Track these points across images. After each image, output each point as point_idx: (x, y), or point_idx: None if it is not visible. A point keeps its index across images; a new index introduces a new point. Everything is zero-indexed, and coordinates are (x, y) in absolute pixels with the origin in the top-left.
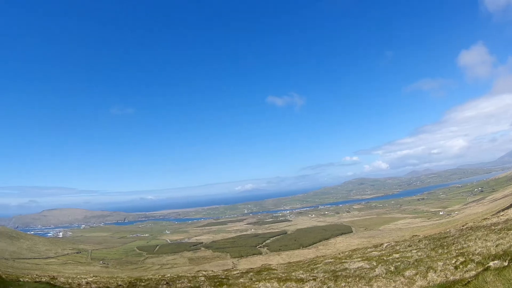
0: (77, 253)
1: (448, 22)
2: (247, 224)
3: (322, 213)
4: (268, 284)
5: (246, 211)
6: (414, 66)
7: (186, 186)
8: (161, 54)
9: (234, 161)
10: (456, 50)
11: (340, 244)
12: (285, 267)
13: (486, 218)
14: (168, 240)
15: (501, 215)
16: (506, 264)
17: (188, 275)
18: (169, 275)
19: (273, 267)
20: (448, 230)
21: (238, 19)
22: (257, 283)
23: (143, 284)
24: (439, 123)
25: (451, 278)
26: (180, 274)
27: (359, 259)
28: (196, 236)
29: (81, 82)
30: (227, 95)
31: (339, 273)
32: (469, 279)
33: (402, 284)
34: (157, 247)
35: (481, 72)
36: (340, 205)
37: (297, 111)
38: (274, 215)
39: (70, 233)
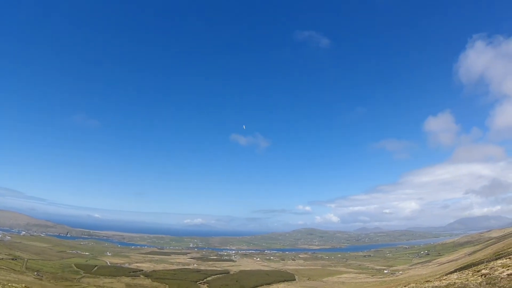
0: (13, 259)
1: (421, 88)
2: (191, 258)
3: (268, 257)
4: None
5: (191, 245)
6: (382, 125)
7: (135, 210)
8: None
9: (187, 193)
10: (424, 115)
11: None
12: None
13: (429, 281)
14: (108, 262)
15: (444, 279)
16: None
17: None
18: None
19: None
20: None
21: (207, 55)
22: None
23: None
24: (395, 184)
25: None
26: None
27: None
28: (137, 262)
29: (44, 86)
30: (190, 128)
31: None
32: None
33: None
34: (96, 267)
35: (444, 140)
36: (287, 252)
37: (259, 153)
38: (219, 253)
39: (9, 237)
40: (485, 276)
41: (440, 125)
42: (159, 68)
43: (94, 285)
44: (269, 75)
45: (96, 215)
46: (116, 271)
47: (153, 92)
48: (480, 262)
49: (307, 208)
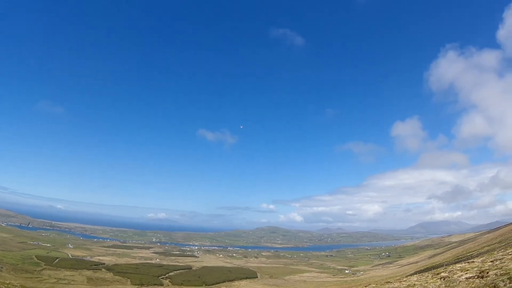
0: None
1: (391, 93)
2: (154, 253)
3: (230, 254)
4: None
5: (154, 240)
6: (350, 127)
7: (99, 203)
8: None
9: (152, 187)
10: (392, 120)
11: None
12: None
13: (389, 282)
14: (70, 255)
15: (404, 281)
16: None
17: None
18: None
19: None
20: None
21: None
22: None
23: None
24: (359, 187)
25: None
26: None
27: None
28: (99, 255)
29: (7, 72)
30: (158, 121)
31: None
32: None
33: None
34: (57, 259)
35: (411, 145)
36: (249, 250)
37: (226, 149)
38: (182, 248)
39: None
40: (444, 279)
41: (407, 130)
42: (129, 60)
43: (55, 278)
44: (240, 73)
45: (59, 206)
46: (77, 264)
47: (121, 84)
48: (439, 265)
49: (271, 206)
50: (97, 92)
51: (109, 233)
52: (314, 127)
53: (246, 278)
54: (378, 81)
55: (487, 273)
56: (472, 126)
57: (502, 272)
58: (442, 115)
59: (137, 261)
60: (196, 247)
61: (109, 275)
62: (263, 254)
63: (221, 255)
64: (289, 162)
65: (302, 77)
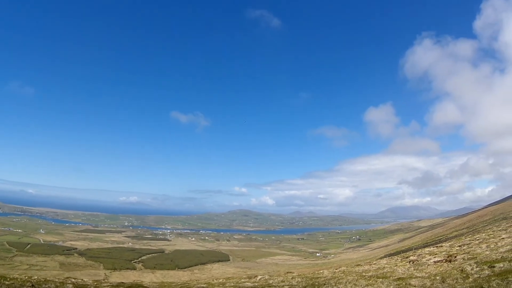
0: None
1: (365, 79)
2: (126, 236)
3: (203, 237)
4: None
5: (126, 223)
6: (324, 111)
7: (71, 187)
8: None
9: (124, 170)
10: (366, 106)
11: (216, 270)
12: (157, 286)
13: (359, 265)
14: (42, 240)
15: (374, 264)
16: None
17: (57, 280)
18: (36, 277)
19: (145, 284)
20: (322, 271)
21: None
22: None
23: (7, 283)
24: (331, 171)
25: None
26: (48, 278)
27: None
28: (71, 240)
29: None
30: (130, 103)
31: None
32: None
33: None
34: (29, 245)
35: (383, 130)
36: (222, 233)
37: (199, 132)
38: (154, 232)
39: None
40: (413, 262)
41: (380, 116)
42: (100, 42)
43: (27, 264)
44: (215, 55)
45: (30, 191)
46: (49, 249)
47: (93, 66)
48: (409, 249)
49: (243, 190)
50: (68, 74)
51: (81, 217)
52: (287, 110)
53: (219, 261)
54: (354, 66)
55: (455, 257)
56: (444, 114)
57: (469, 256)
58: (415, 102)
59: (110, 245)
60: (169, 231)
61: (81, 260)
62: (235, 237)
63: (193, 239)
64: (261, 145)
65: (278, 59)
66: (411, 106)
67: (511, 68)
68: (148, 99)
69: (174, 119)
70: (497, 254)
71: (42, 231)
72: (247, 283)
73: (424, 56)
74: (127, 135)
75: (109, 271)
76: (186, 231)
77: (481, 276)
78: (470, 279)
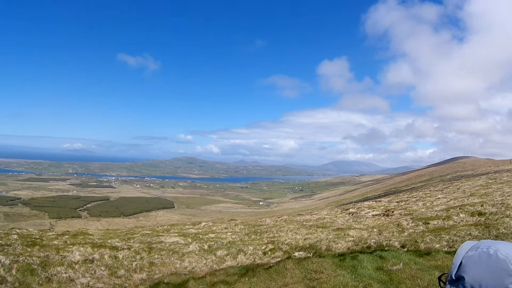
0: None
1: (323, 30)
2: (70, 184)
3: (148, 185)
4: (81, 249)
5: (70, 171)
6: (277, 60)
7: (11, 134)
8: None
9: (67, 115)
10: (321, 57)
11: (161, 217)
12: (103, 234)
13: (301, 214)
14: None
15: (315, 214)
16: (309, 255)
17: (1, 231)
18: None
19: (90, 232)
20: (264, 219)
21: None
22: (71, 246)
23: None
24: (277, 122)
25: (258, 261)
26: None
27: (176, 235)
28: (14, 190)
29: None
30: (73, 43)
31: (154, 245)
32: (272, 264)
33: (213, 262)
34: None
35: (335, 85)
36: (167, 180)
37: (147, 76)
38: (99, 179)
39: None
40: (352, 215)
41: (334, 69)
42: None
43: None
44: None
45: None
46: None
47: (32, 2)
48: (349, 202)
49: (189, 137)
50: (6, 12)
51: (24, 165)
52: (240, 57)
53: (163, 208)
54: (315, 15)
55: (392, 212)
56: (398, 74)
57: (406, 212)
58: (371, 59)
59: (54, 194)
60: (113, 178)
61: (26, 210)
62: (180, 184)
63: (138, 186)
64: (209, 92)
65: (234, 0)
66: (366, 63)
67: (471, 38)
68: (92, 38)
69: (120, 62)
70: (432, 212)
71: None
72: (191, 229)
73: (387, 14)
74: (70, 79)
75: (54, 220)
76: (131, 178)
77: (416, 231)
78: (406, 233)
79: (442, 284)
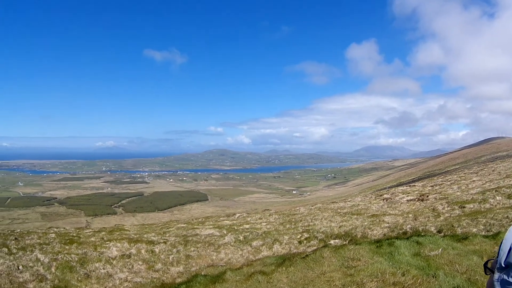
0: None
1: (351, 13)
2: (104, 182)
3: (181, 178)
4: (118, 244)
5: (104, 169)
6: (305, 46)
7: (45, 136)
8: None
9: (98, 114)
10: (349, 41)
11: (195, 210)
12: (138, 229)
13: (335, 202)
14: (21, 193)
15: (348, 201)
16: (345, 243)
17: (39, 231)
18: (19, 230)
19: (126, 228)
20: (298, 208)
21: None
22: (108, 242)
23: None
24: (306, 110)
25: (294, 251)
26: (31, 230)
27: (211, 227)
28: (50, 190)
29: None
30: (100, 42)
31: (190, 238)
32: (308, 253)
33: (249, 253)
34: (9, 199)
35: (364, 68)
36: (199, 173)
37: (174, 70)
38: (132, 175)
39: None
40: (386, 200)
41: (363, 52)
42: None
43: (9, 218)
44: None
45: (5, 144)
46: (30, 201)
47: (57, 4)
48: (383, 188)
49: (219, 129)
50: (35, 15)
51: (58, 166)
52: (266, 45)
53: (197, 201)
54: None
55: (427, 196)
56: (428, 54)
57: (441, 196)
58: (400, 40)
59: (89, 192)
60: (146, 173)
61: (62, 209)
62: (213, 176)
63: (171, 180)
64: (237, 82)
65: None
66: (395, 44)
67: (501, 13)
68: (119, 37)
69: (147, 58)
70: (467, 196)
71: (20, 184)
72: (225, 221)
73: None
74: (98, 78)
75: (90, 217)
76: (163, 172)
77: (451, 215)
78: (441, 218)
79: (488, 271)
